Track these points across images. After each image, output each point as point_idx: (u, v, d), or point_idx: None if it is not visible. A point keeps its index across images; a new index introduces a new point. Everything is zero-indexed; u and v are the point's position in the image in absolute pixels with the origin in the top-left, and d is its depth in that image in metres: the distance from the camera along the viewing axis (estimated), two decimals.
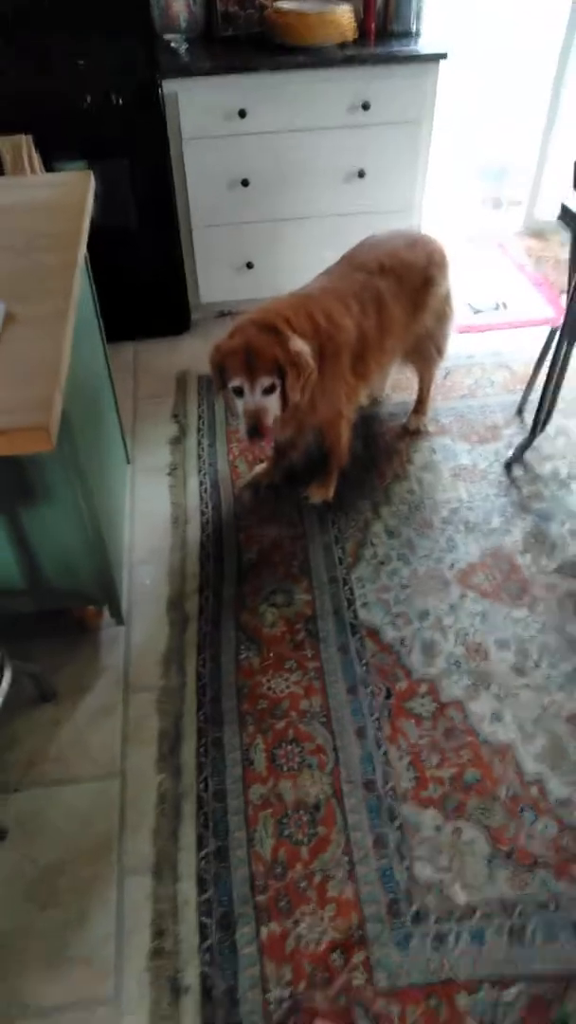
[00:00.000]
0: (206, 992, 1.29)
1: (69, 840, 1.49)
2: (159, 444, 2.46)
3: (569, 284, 2.01)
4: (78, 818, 1.52)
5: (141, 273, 2.76)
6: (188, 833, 1.49)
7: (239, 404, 1.77)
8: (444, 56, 2.49)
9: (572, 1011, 1.25)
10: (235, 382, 1.73)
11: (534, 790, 1.55)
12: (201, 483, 2.31)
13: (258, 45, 2.56)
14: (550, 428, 2.41)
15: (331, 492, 2.22)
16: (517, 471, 2.33)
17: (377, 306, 2.04)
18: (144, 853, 1.47)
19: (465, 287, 3.12)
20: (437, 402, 2.58)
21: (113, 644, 1.85)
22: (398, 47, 2.55)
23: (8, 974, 1.32)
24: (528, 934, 1.35)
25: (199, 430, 2.51)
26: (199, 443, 2.46)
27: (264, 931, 1.36)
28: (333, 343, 1.88)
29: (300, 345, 1.73)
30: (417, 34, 2.67)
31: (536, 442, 2.38)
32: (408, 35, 2.66)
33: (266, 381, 1.71)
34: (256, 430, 1.74)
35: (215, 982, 1.30)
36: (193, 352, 2.84)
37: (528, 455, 2.37)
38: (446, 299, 2.29)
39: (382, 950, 1.33)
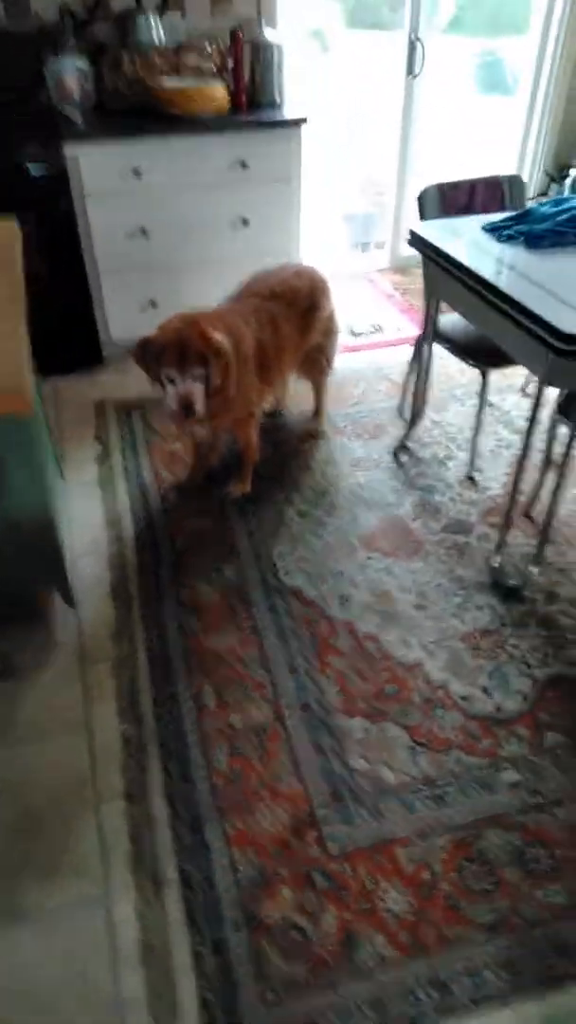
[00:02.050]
0: (184, 881, 1.49)
1: (48, 784, 1.67)
2: (87, 463, 2.70)
3: (425, 301, 2.44)
4: (54, 766, 1.70)
5: (54, 315, 3.03)
6: (153, 764, 1.70)
7: (171, 390, 2.05)
8: (304, 120, 2.96)
9: (487, 845, 1.54)
10: (168, 372, 2.02)
11: (440, 693, 1.86)
12: (129, 490, 2.56)
13: (146, 115, 2.94)
14: (426, 421, 2.83)
15: (248, 485, 2.52)
16: (403, 458, 2.71)
17: (272, 324, 2.39)
18: (116, 785, 1.67)
19: (345, 315, 3.56)
20: (332, 409, 2.95)
21: (66, 625, 2.05)
22: (265, 115, 3.00)
23: (6, 892, 1.48)
24: (448, 798, 1.63)
25: (122, 448, 2.77)
26: (124, 458, 2.71)
27: (229, 827, 1.58)
28: (241, 350, 2.21)
29: (219, 337, 2.04)
30: (280, 104, 3.14)
31: (416, 434, 2.78)
32: (272, 105, 3.13)
33: (195, 370, 2.01)
34: (188, 411, 2.03)
35: (191, 872, 1.51)
36: (108, 383, 3.11)
37: (411, 444, 2.76)
38: (330, 318, 2.68)
39: (330, 827, 1.58)
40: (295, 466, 2.67)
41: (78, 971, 1.37)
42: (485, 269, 1.96)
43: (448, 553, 2.29)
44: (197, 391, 2.04)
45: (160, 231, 3.04)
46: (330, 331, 2.69)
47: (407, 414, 2.80)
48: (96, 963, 1.38)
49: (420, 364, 2.60)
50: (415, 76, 3.58)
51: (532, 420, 1.94)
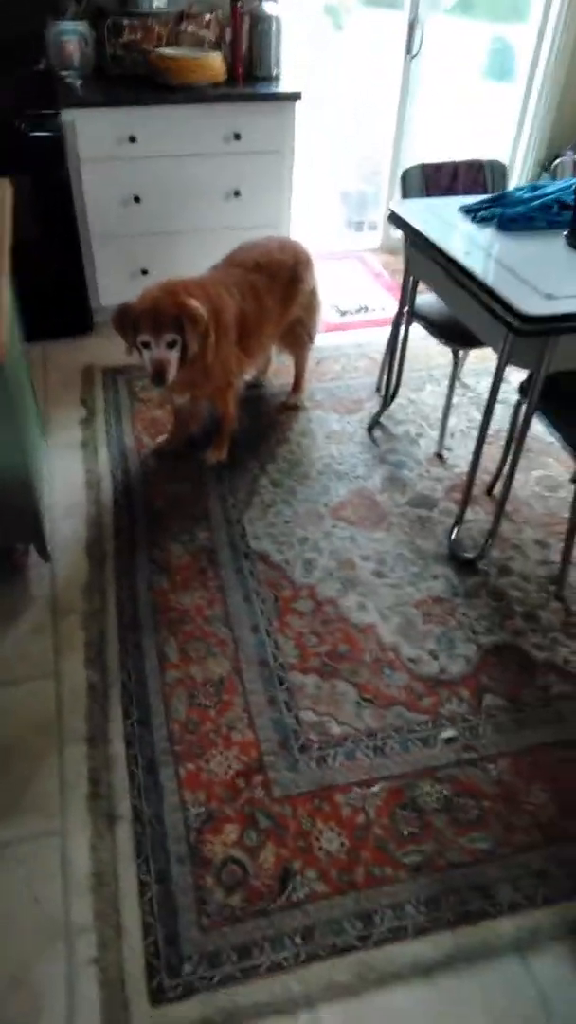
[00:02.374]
0: (137, 818, 1.60)
1: (16, 725, 1.77)
2: (70, 425, 2.78)
3: (403, 279, 2.51)
4: (22, 709, 1.81)
5: (46, 280, 3.08)
6: (115, 710, 1.81)
7: (146, 355, 2.12)
8: (299, 96, 2.99)
9: (419, 794, 1.66)
10: (143, 337, 2.09)
11: (390, 654, 1.96)
12: (110, 454, 2.64)
13: (143, 83, 2.97)
14: (402, 399, 2.91)
15: (224, 453, 2.60)
16: (376, 433, 2.79)
17: (254, 295, 2.45)
18: (79, 728, 1.77)
19: (332, 293, 3.63)
20: (311, 384, 3.03)
21: (41, 580, 2.15)
22: (261, 88, 3.03)
23: None
24: (387, 749, 1.74)
25: (106, 412, 2.84)
26: (107, 422, 2.79)
27: (182, 770, 1.69)
28: (221, 318, 2.28)
29: (195, 304, 2.11)
30: (277, 78, 3.17)
31: (391, 411, 2.86)
32: (269, 79, 3.15)
33: (168, 336, 2.08)
34: (160, 377, 2.10)
35: (143, 810, 1.62)
36: (97, 348, 3.17)
37: (385, 420, 2.84)
38: (312, 293, 2.75)
39: (276, 773, 1.69)
40: (272, 437, 2.75)
41: (32, 897, 1.49)
42: (454, 248, 2.02)
43: (411, 525, 2.38)
44: (171, 357, 2.11)
45: (153, 199, 3.09)
46: (311, 306, 2.75)
47: (383, 391, 2.88)
48: (49, 890, 1.50)
49: (396, 342, 2.67)
50: (413, 56, 3.60)
51: (491, 399, 2.02)
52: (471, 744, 1.76)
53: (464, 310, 2.05)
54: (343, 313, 3.59)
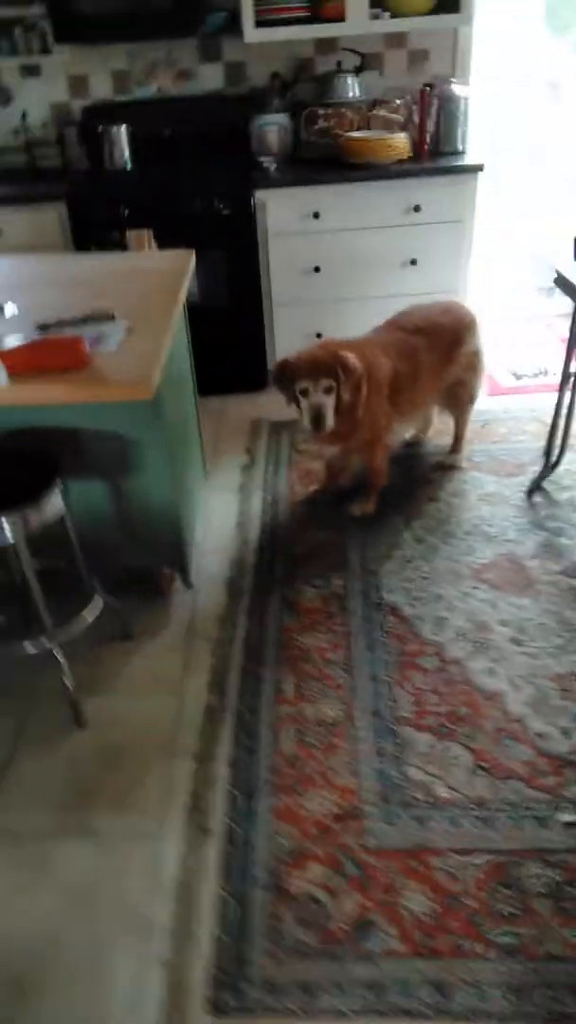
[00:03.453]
0: (229, 838, 1.63)
1: (135, 732, 1.90)
2: (232, 469, 2.98)
3: (569, 340, 2.44)
4: (143, 719, 1.93)
5: (230, 342, 3.38)
6: (226, 734, 1.87)
7: (304, 403, 2.26)
8: (481, 168, 3.08)
9: (525, 874, 1.52)
10: (302, 384, 2.23)
11: (516, 725, 1.84)
12: (264, 498, 2.79)
13: (331, 164, 3.22)
14: (571, 466, 2.77)
15: (372, 507, 2.64)
16: (537, 498, 2.69)
17: (411, 356, 2.52)
18: (191, 745, 1.85)
19: (512, 358, 3.59)
20: (474, 445, 2.99)
21: (182, 605, 2.30)
22: (444, 162, 3.16)
23: (85, 809, 1.71)
24: (497, 823, 1.63)
25: (266, 461, 3.01)
26: (266, 470, 2.96)
27: (278, 802, 1.70)
28: (374, 375, 2.36)
29: (352, 357, 2.23)
30: (463, 152, 3.28)
31: (557, 476, 2.74)
32: (455, 153, 3.28)
33: (325, 382, 2.22)
34: (317, 421, 2.25)
35: (235, 831, 1.64)
36: (268, 404, 3.38)
37: (548, 486, 2.73)
38: (475, 354, 2.75)
39: (373, 823, 1.64)
40: (423, 494, 2.75)
41: (122, 889, 1.56)
42: None
43: (562, 595, 2.24)
44: (328, 403, 2.24)
45: (332, 268, 3.29)
46: (473, 367, 2.75)
47: (554, 458, 2.77)
48: (138, 887, 1.56)
49: (561, 403, 2.58)
50: None
51: None
52: None
53: None
54: (519, 377, 3.53)
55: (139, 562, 2.25)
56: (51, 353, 1.59)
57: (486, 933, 1.43)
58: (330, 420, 2.27)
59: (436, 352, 2.58)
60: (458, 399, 2.81)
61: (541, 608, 2.20)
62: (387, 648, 2.09)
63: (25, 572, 1.75)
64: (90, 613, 1.95)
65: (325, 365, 2.22)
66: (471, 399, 2.84)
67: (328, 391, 2.24)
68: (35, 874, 1.61)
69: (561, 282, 2.29)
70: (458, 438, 2.92)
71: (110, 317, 1.85)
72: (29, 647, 1.86)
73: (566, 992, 1.34)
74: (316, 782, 1.74)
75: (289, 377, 2.27)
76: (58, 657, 1.88)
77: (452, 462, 2.90)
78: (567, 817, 1.62)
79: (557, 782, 1.70)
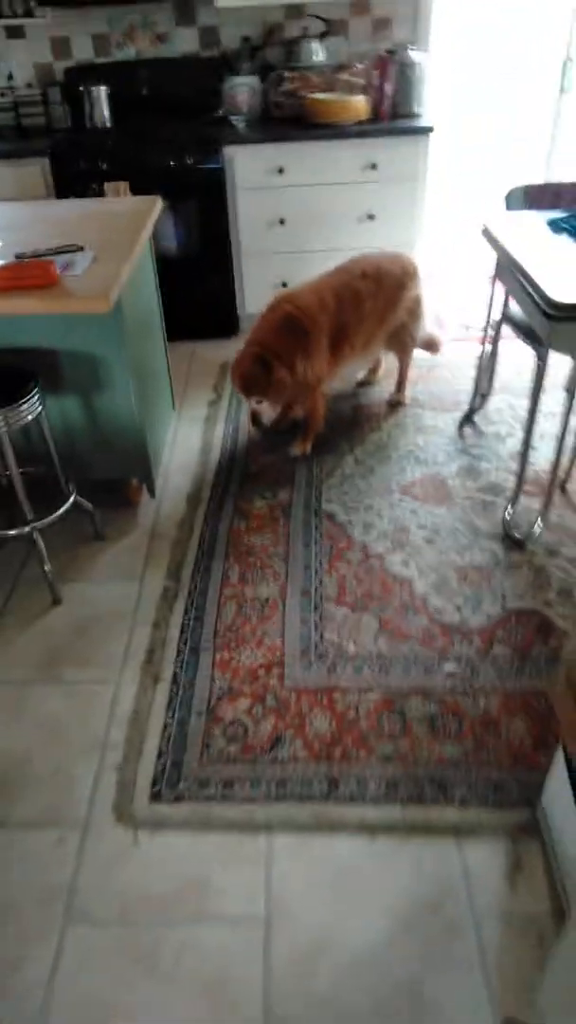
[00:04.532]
0: (175, 681, 2.00)
1: (102, 609, 2.25)
2: (200, 405, 3.30)
3: (491, 285, 2.75)
4: (109, 599, 2.29)
5: (201, 290, 3.68)
6: (179, 608, 2.23)
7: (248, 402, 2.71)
8: (431, 129, 3.35)
9: (409, 705, 1.89)
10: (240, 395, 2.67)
11: (418, 602, 2.21)
12: (226, 429, 3.12)
13: (297, 124, 3.50)
14: (501, 404, 3.11)
15: (308, 447, 2.94)
16: (467, 431, 3.02)
17: (355, 300, 2.82)
18: (148, 616, 2.21)
19: (466, 311, 3.90)
20: (417, 386, 3.32)
21: (146, 512, 2.65)
22: (399, 124, 3.43)
23: (57, 666, 2.07)
24: (391, 670, 1.99)
25: (231, 398, 3.33)
26: (230, 405, 3.28)
27: (218, 656, 2.06)
28: (315, 335, 2.65)
29: (281, 374, 2.58)
30: (419, 115, 3.56)
31: (487, 413, 3.08)
32: (412, 116, 3.55)
33: (255, 400, 2.68)
34: (255, 420, 2.77)
35: (181, 676, 2.01)
36: (236, 348, 3.69)
37: (479, 420, 3.06)
38: (416, 300, 3.06)
39: (292, 670, 2.01)
40: (367, 426, 3.08)
41: (84, 721, 1.92)
42: (516, 245, 2.27)
43: (473, 507, 2.59)
44: (264, 409, 2.74)
45: (295, 221, 3.58)
46: (415, 312, 3.06)
47: (487, 398, 3.10)
48: (98, 719, 1.92)
49: (485, 345, 2.91)
50: (564, 93, 3.82)
51: (536, 388, 2.22)
52: (468, 679, 1.96)
53: (523, 304, 2.28)
54: (468, 328, 3.84)
55: (109, 473, 2.59)
56: (25, 273, 1.90)
57: (372, 745, 1.80)
58: (267, 416, 2.74)
59: (381, 297, 2.89)
60: (401, 342, 3.13)
61: (455, 517, 2.55)
62: (320, 545, 2.44)
63: (9, 466, 2.09)
64: (65, 508, 2.29)
65: (257, 388, 2.63)
66: (413, 341, 3.15)
67: (261, 402, 2.68)
68: (11, 713, 1.97)
69: (486, 234, 2.60)
70: (402, 378, 3.24)
71: (80, 248, 2.17)
72: (12, 532, 2.20)
73: (428, 784, 1.71)
74: (249, 642, 2.10)
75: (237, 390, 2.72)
76: (38, 542, 2.23)
77: (396, 399, 3.23)
78: (449, 667, 1.99)
79: (445, 644, 2.07)
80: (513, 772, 1.73)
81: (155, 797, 1.72)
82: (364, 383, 3.38)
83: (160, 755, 1.81)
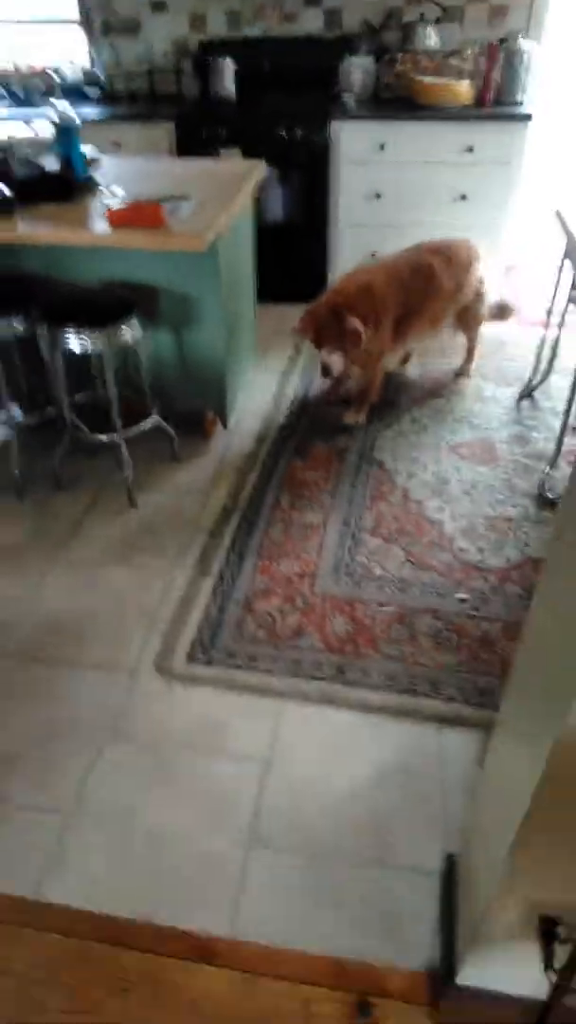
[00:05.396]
0: (220, 577, 2.33)
1: (170, 516, 2.61)
2: (281, 359, 3.61)
3: (559, 267, 2.92)
4: (177, 509, 2.64)
5: (296, 256, 3.97)
6: (234, 521, 2.56)
7: (319, 354, 2.91)
8: (530, 117, 3.50)
9: (418, 621, 2.15)
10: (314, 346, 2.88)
11: (446, 541, 2.45)
12: (301, 381, 3.42)
13: (402, 104, 3.72)
14: (564, 382, 3.27)
15: (362, 417, 3.16)
16: (525, 404, 3.21)
17: (427, 280, 3.02)
18: (207, 526, 2.56)
19: (545, 295, 4.03)
20: (487, 360, 3.51)
21: (219, 444, 2.99)
22: (500, 111, 3.60)
23: (127, 555, 2.45)
24: (409, 592, 2.26)
25: (308, 356, 3.62)
26: (306, 363, 3.58)
27: (260, 561, 2.38)
28: (380, 314, 2.88)
29: (355, 324, 2.78)
30: (521, 103, 3.70)
31: (547, 389, 3.25)
32: (514, 103, 3.70)
33: (333, 349, 2.84)
34: (326, 371, 2.91)
35: (226, 573, 2.34)
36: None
37: (539, 395, 3.24)
38: (480, 281, 3.23)
39: (323, 581, 2.30)
40: (430, 393, 3.31)
41: (142, 595, 2.29)
42: None
43: (516, 470, 2.80)
44: (335, 360, 2.87)
45: (391, 196, 3.81)
46: (479, 293, 3.23)
47: (555, 377, 3.26)
48: (153, 596, 2.29)
49: (550, 323, 3.07)
50: None
51: None
52: (477, 607, 2.20)
53: None
54: (550, 314, 3.97)
55: (191, 405, 2.94)
56: (137, 213, 2.26)
57: (380, 646, 2.08)
58: (337, 371, 2.89)
59: (450, 277, 3.08)
60: (467, 321, 3.31)
61: (496, 476, 2.76)
62: (367, 486, 2.72)
63: (108, 382, 2.46)
64: (149, 424, 2.66)
65: (330, 337, 2.82)
66: (477, 320, 3.34)
67: (335, 352, 2.85)
68: (87, 583, 2.35)
69: (558, 217, 2.77)
70: (469, 352, 3.44)
71: (187, 197, 2.51)
72: (103, 437, 2.59)
73: (422, 681, 1.98)
74: (289, 555, 2.41)
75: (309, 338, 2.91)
76: (123, 451, 2.60)
77: (462, 371, 3.44)
78: (461, 595, 2.24)
79: (462, 577, 2.31)
80: (500, 681, 1.97)
81: (190, 658, 2.07)
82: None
83: (199, 630, 2.15)
